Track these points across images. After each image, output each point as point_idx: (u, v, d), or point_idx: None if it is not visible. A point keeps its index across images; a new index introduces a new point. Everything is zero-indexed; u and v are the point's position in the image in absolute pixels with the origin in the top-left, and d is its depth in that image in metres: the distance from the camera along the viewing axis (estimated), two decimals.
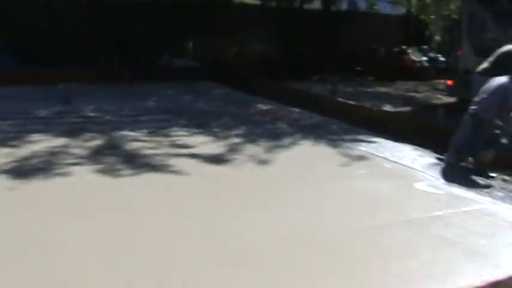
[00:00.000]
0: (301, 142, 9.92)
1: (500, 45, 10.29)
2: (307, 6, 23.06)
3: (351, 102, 12.82)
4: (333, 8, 23.10)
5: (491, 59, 9.90)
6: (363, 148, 9.54)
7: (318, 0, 23.06)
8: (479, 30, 13.34)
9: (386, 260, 5.30)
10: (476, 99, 8.74)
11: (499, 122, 8.60)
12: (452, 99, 14.47)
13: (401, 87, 18.43)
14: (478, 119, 8.47)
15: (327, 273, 4.90)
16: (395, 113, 12.91)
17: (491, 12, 12.79)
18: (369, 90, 17.26)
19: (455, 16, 17.67)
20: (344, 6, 25.39)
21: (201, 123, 10.98)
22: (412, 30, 24.62)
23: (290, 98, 13.82)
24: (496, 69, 9.17)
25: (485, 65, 9.87)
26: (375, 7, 26.79)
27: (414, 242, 5.82)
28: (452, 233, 6.09)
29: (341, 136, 10.37)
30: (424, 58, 21.02)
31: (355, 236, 5.89)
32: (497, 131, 8.68)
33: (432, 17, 23.90)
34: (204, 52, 19.88)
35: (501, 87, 8.42)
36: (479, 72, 9.87)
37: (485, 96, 8.55)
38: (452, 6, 18.87)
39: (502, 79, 8.55)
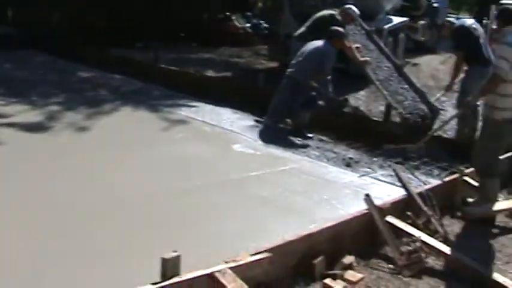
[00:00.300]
0: (121, 108, 9.73)
1: (319, 11, 10.57)
2: None
3: (173, 68, 12.71)
4: None
5: (307, 24, 10.14)
6: (182, 112, 9.51)
7: None
8: None
9: (202, 220, 5.33)
10: (293, 62, 8.96)
11: (315, 84, 8.84)
12: (274, 64, 14.77)
13: (224, 53, 18.52)
14: (294, 81, 8.69)
15: (143, 234, 4.85)
16: (216, 77, 12.96)
17: None
18: (193, 56, 17.19)
19: None
20: None
21: (20, 92, 10.44)
22: None
23: (113, 65, 13.52)
24: (311, 34, 9.42)
25: (301, 29, 10.11)
26: None
27: (231, 202, 5.89)
28: (268, 191, 6.24)
29: (161, 101, 10.26)
30: (248, 24, 21.23)
31: (172, 197, 5.89)
32: (314, 93, 8.94)
33: None
34: (25, 19, 18.92)
35: (316, 51, 8.68)
36: (295, 37, 10.08)
37: (301, 59, 8.79)
38: None
39: (317, 43, 8.82)
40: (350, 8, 9.83)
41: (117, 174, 6.44)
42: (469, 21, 9.46)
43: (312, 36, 9.24)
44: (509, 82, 5.88)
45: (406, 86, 9.76)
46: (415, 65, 19.16)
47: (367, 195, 5.11)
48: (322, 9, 10.56)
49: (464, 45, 8.79)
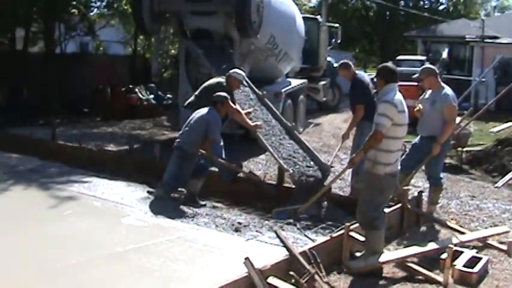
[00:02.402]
0: (12, 188, 9.57)
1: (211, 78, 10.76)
2: (31, 49, 22.52)
3: (71, 144, 12.65)
4: (58, 51, 22.72)
5: (196, 92, 10.30)
6: (75, 189, 9.45)
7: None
8: (195, 66, 13.85)
9: None
10: (180, 132, 9.10)
11: (204, 152, 8.96)
12: (176, 134, 14.85)
13: (127, 126, 18.57)
14: (182, 151, 8.81)
15: None
16: (114, 152, 12.97)
17: (204, 48, 13.34)
18: (95, 131, 17.17)
19: (174, 53, 18.18)
20: (73, 48, 25.22)
21: None
22: (140, 69, 25.00)
23: (10, 144, 13.33)
24: (200, 102, 9.56)
25: (191, 98, 10.27)
26: (101, 48, 26.98)
27: (114, 275, 5.96)
28: (151, 262, 6.30)
29: (55, 179, 10.16)
30: (152, 96, 21.36)
31: (56, 274, 5.91)
32: (203, 161, 9.06)
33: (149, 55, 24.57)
34: None
35: (201, 119, 8.84)
36: (185, 106, 10.24)
37: (187, 128, 8.92)
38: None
39: (202, 111, 8.98)
40: (235, 72, 10.03)
41: (4, 256, 6.35)
42: (366, 75, 9.78)
43: (201, 104, 9.37)
44: (392, 138, 6.15)
45: (297, 148, 9.98)
46: (317, 125, 19.68)
47: (247, 258, 5.21)
48: (214, 77, 10.77)
49: (365, 98, 9.09)
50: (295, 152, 9.81)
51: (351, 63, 9.71)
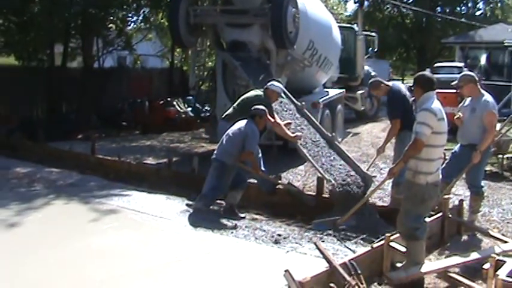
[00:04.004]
0: (54, 202, 9.69)
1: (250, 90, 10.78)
2: (69, 64, 22.83)
3: (110, 158, 12.77)
4: (96, 66, 23.02)
5: (234, 104, 10.31)
6: (114, 202, 9.52)
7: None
8: (232, 78, 13.90)
9: None
10: (218, 144, 9.12)
11: (242, 164, 8.97)
12: (215, 146, 14.89)
13: (166, 138, 18.71)
14: (220, 163, 8.81)
15: None
16: (152, 165, 13.05)
17: (241, 60, 13.38)
18: (134, 144, 17.32)
19: (211, 65, 18.25)
20: (110, 62, 25.50)
21: None
22: (177, 81, 25.21)
23: (51, 159, 13.53)
24: (238, 114, 9.56)
25: (229, 110, 10.26)
26: (139, 62, 27.23)
27: None
28: (191, 275, 6.38)
29: (95, 192, 10.26)
30: (189, 108, 21.47)
31: (96, 287, 5.89)
32: (242, 173, 9.07)
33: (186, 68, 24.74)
34: None
35: (239, 132, 8.83)
36: (223, 118, 10.25)
37: (225, 140, 8.93)
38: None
39: (240, 123, 8.97)
40: (273, 85, 10.02)
41: (40, 270, 6.45)
42: (403, 87, 9.68)
43: (239, 116, 9.38)
44: (432, 147, 6.08)
45: (337, 158, 9.92)
46: (355, 134, 19.56)
47: (286, 270, 5.18)
48: (253, 89, 10.77)
49: (401, 110, 8.99)
50: (336, 162, 9.75)
51: (379, 80, 9.67)
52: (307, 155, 9.65)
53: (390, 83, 9.52)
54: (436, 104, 6.17)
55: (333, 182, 9.06)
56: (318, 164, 9.48)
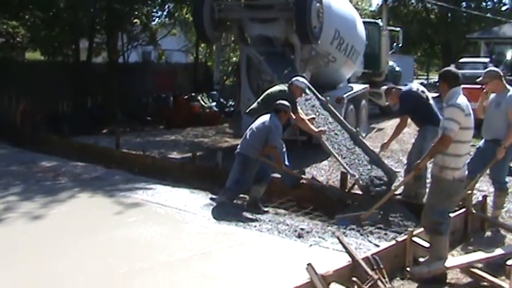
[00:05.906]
0: (79, 195, 9.79)
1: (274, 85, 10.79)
2: (94, 59, 23.02)
3: (135, 152, 12.85)
4: (121, 61, 23.18)
5: (259, 99, 10.34)
6: (138, 196, 9.60)
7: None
8: (256, 72, 13.92)
9: None
10: (242, 138, 9.15)
11: (265, 159, 9.00)
12: (238, 141, 14.93)
13: (190, 133, 18.79)
14: (243, 157, 8.85)
15: None
16: (177, 159, 13.13)
17: (265, 54, 13.39)
18: (158, 139, 17.43)
19: (235, 60, 18.27)
20: (135, 57, 25.66)
21: None
22: (202, 76, 25.28)
23: (75, 153, 13.67)
24: (262, 109, 9.58)
25: (254, 105, 10.29)
26: (163, 57, 27.37)
27: (176, 281, 6.01)
28: (214, 268, 6.35)
29: (120, 186, 10.35)
30: (214, 103, 21.51)
31: (120, 279, 6.01)
32: (266, 167, 9.09)
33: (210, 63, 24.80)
34: None
35: (262, 126, 8.85)
36: (247, 113, 10.27)
37: (248, 135, 8.95)
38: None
39: (264, 118, 8.99)
40: (297, 80, 10.02)
41: (64, 262, 6.54)
42: (416, 86, 9.72)
43: (263, 111, 9.39)
44: (460, 142, 6.06)
45: (361, 153, 9.92)
46: (380, 129, 19.48)
47: (309, 264, 5.19)
48: (277, 84, 10.78)
49: (409, 109, 9.07)
50: (360, 157, 9.76)
51: (390, 86, 9.86)
52: (332, 149, 9.66)
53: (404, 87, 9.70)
54: (463, 100, 6.14)
55: (357, 176, 9.06)
56: (342, 159, 9.49)
